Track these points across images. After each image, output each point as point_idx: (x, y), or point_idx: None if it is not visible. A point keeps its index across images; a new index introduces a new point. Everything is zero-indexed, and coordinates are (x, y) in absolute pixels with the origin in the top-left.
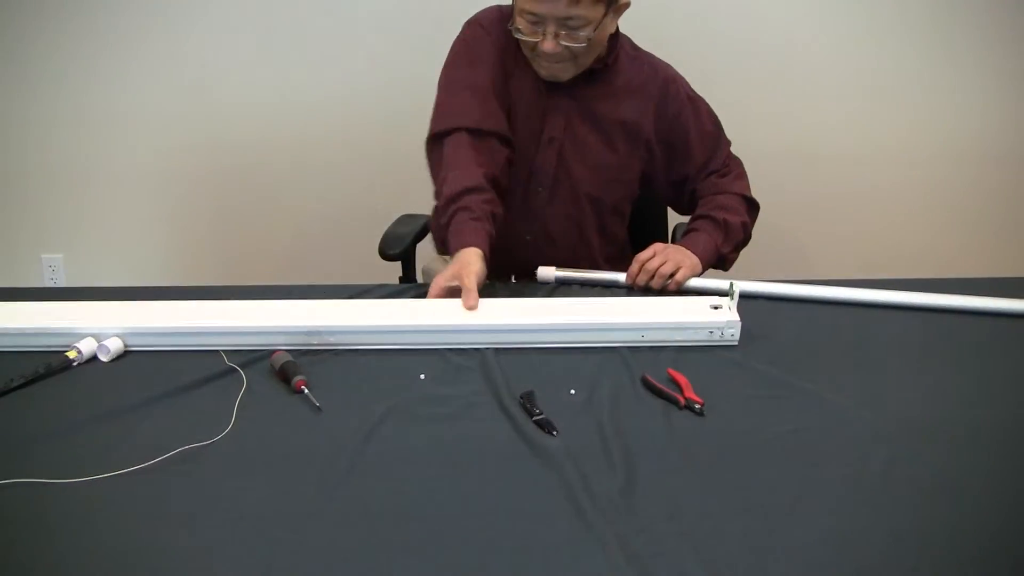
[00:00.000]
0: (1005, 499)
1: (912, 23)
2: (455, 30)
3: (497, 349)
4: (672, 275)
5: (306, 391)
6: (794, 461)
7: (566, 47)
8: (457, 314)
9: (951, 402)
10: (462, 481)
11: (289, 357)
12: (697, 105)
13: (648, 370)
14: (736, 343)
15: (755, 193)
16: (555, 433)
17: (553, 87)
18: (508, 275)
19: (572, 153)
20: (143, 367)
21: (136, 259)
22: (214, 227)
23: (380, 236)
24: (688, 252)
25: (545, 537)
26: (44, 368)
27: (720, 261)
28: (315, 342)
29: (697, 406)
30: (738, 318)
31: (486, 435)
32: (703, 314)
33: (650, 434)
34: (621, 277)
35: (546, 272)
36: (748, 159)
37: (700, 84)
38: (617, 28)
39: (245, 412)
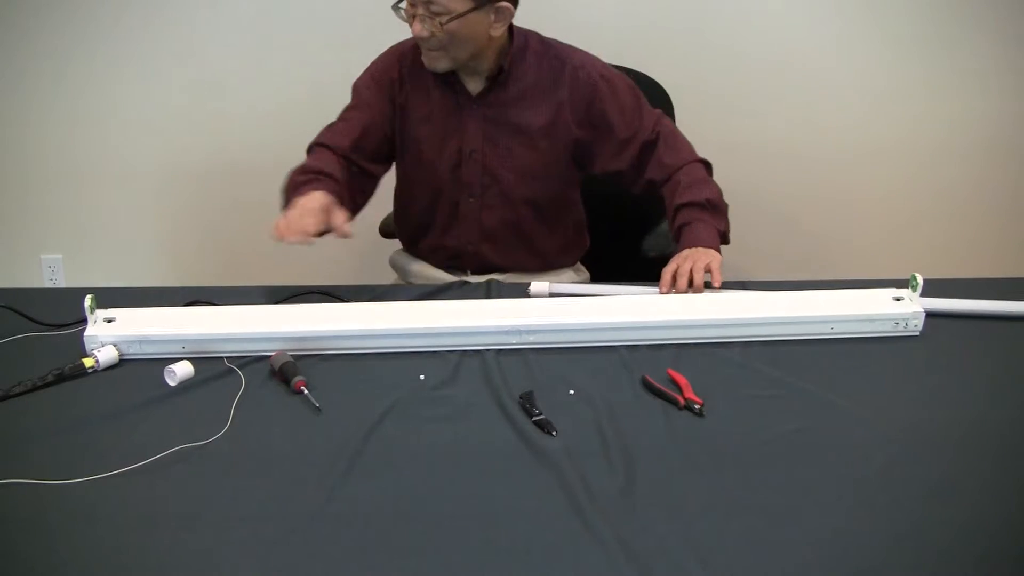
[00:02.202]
0: (1005, 500)
1: (915, 20)
2: None
3: (499, 351)
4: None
5: (305, 392)
6: (794, 461)
7: (432, 34)
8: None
9: (951, 403)
10: (462, 481)
11: (289, 358)
12: (612, 82)
13: (648, 370)
14: (919, 333)
15: (757, 192)
16: (554, 433)
17: (463, 102)
18: (463, 272)
19: (495, 162)
20: (140, 368)
21: (135, 260)
22: (214, 227)
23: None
24: (703, 249)
25: (545, 537)
26: (55, 375)
27: (722, 237)
28: (315, 347)
29: (697, 406)
30: (922, 309)
31: (485, 435)
32: (887, 306)
33: (650, 434)
34: (614, 289)
35: (539, 287)
36: (750, 158)
37: (703, 83)
38: (513, 31)
39: (243, 413)
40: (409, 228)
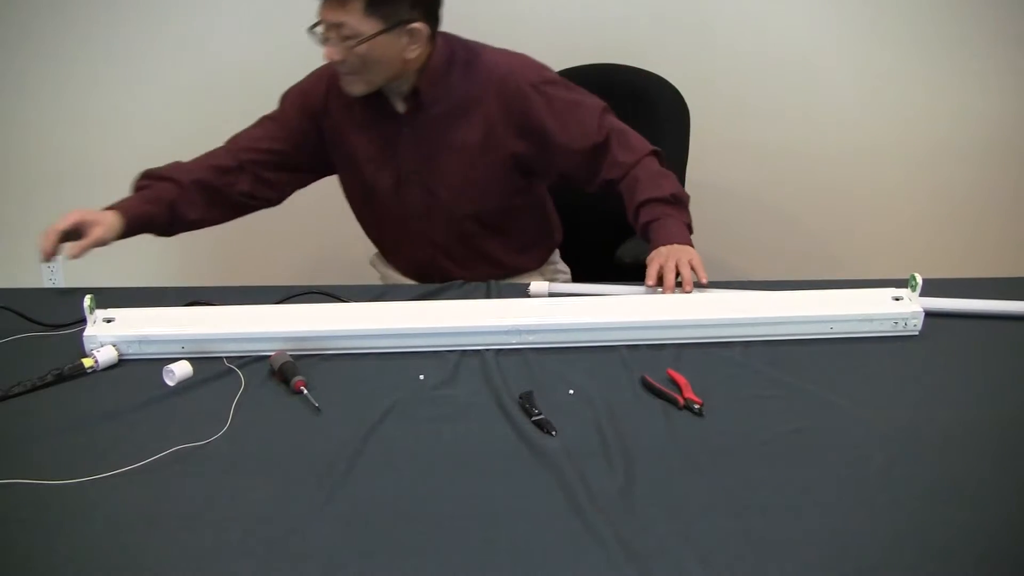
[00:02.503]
0: (1005, 500)
1: (915, 20)
2: (464, 32)
3: (498, 351)
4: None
5: (305, 392)
6: (793, 461)
7: (344, 58)
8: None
9: (951, 403)
10: (461, 481)
11: (288, 357)
12: (544, 90)
13: (647, 370)
14: (918, 333)
15: (757, 191)
16: (554, 433)
17: (394, 123)
18: (432, 280)
19: (434, 181)
20: (140, 368)
21: (135, 260)
22: (213, 228)
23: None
24: (679, 246)
25: (545, 537)
26: (54, 375)
27: (687, 229)
28: (315, 348)
29: (696, 406)
30: (921, 309)
31: (485, 435)
32: (886, 306)
33: (649, 434)
34: (613, 288)
35: (539, 287)
36: (751, 157)
37: (705, 83)
38: (435, 46)
39: (243, 413)
40: (372, 240)
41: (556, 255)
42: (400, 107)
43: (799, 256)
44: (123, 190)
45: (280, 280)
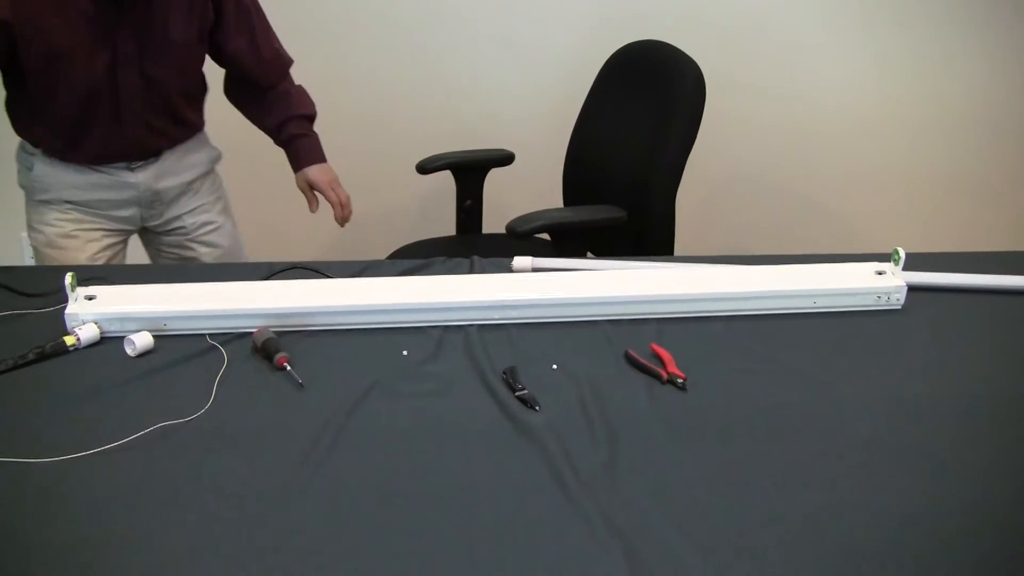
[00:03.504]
0: (988, 471)
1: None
2: (462, 25)
3: (481, 326)
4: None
5: (288, 368)
6: (776, 435)
7: None
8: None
9: (933, 376)
10: (445, 457)
11: (271, 334)
12: None
13: (631, 345)
14: (901, 307)
15: (740, 165)
16: (538, 408)
17: (117, 13)
18: (123, 162)
19: (151, 67)
20: (122, 346)
21: None
22: None
23: (375, 219)
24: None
25: (529, 512)
26: (36, 353)
27: None
28: (297, 324)
29: (680, 381)
30: (904, 283)
31: (469, 411)
32: (869, 280)
33: (633, 409)
34: (603, 263)
35: (522, 262)
36: (751, 136)
37: (713, 61)
38: None
39: (226, 389)
40: (58, 135)
41: None
42: None
43: (788, 231)
44: None
45: (263, 256)
